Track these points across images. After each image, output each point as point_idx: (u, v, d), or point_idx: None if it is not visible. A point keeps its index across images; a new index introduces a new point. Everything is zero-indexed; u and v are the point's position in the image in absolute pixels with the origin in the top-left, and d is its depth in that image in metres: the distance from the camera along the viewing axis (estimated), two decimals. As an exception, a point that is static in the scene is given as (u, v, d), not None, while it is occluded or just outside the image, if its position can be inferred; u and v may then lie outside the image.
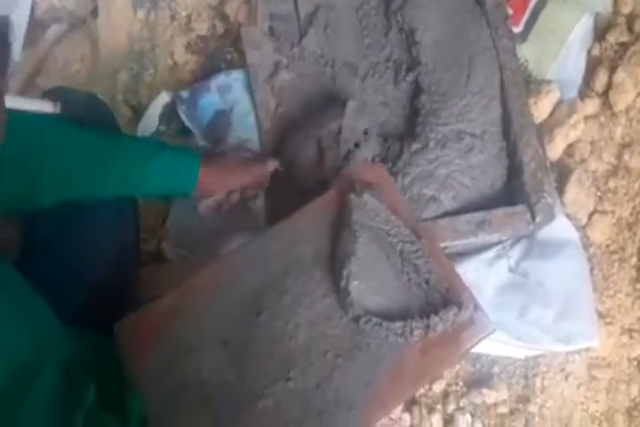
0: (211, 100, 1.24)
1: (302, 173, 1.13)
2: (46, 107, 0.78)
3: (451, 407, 1.11)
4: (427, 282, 0.85)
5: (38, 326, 0.68)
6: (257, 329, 0.84)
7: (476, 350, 1.12)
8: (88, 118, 0.93)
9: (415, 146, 1.12)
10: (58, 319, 0.72)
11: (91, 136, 0.89)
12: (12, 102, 0.56)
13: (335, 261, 0.86)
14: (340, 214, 0.89)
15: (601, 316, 1.11)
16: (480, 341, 0.84)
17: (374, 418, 0.82)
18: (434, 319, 0.80)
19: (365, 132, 1.13)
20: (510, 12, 1.22)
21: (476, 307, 0.84)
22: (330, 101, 1.19)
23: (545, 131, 1.18)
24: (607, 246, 1.14)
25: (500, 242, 1.13)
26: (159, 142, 1.01)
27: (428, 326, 0.81)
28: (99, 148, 0.89)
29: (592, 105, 1.19)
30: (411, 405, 1.13)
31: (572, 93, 1.21)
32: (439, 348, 0.82)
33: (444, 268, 0.87)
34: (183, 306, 0.87)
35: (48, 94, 1.00)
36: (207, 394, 0.82)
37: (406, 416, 1.12)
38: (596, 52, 1.24)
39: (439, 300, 0.83)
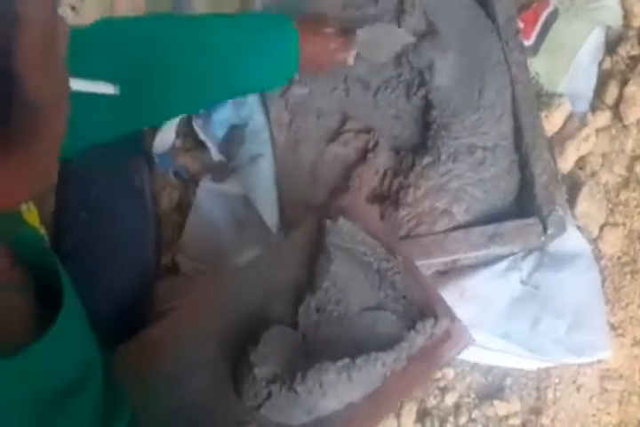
0: (225, 114, 1.26)
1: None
2: (106, 89, 0.79)
3: (463, 419, 1.12)
4: (404, 297, 0.86)
5: (88, 335, 0.69)
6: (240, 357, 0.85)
7: (487, 361, 1.14)
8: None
9: (427, 159, 1.13)
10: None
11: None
12: (72, 84, 0.57)
13: (313, 283, 0.88)
14: (318, 240, 0.91)
15: (613, 328, 1.11)
16: (458, 352, 0.85)
17: None
18: (412, 333, 0.81)
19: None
20: (521, 25, 1.23)
21: (454, 318, 0.85)
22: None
23: (556, 143, 1.19)
24: (618, 258, 1.15)
25: (512, 254, 1.14)
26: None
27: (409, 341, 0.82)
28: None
29: (603, 118, 1.20)
30: (423, 417, 1.13)
31: (584, 106, 1.22)
32: (418, 362, 0.82)
33: (420, 282, 0.88)
34: (173, 333, 0.89)
35: None
36: (195, 420, 0.83)
37: (419, 428, 1.13)
38: (607, 65, 1.25)
39: (416, 313, 0.85)
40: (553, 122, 1.19)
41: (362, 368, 0.78)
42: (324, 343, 0.83)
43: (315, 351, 0.82)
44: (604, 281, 1.13)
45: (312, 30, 1.04)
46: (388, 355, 0.79)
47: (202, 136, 1.26)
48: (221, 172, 1.24)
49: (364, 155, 1.17)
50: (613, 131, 1.20)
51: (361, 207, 0.97)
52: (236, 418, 0.81)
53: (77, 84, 0.69)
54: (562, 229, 1.09)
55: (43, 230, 0.63)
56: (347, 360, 0.78)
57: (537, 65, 1.25)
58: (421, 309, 0.85)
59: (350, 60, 1.13)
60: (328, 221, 0.90)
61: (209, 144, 1.25)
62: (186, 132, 1.28)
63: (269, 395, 0.79)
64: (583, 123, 1.18)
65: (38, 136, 0.45)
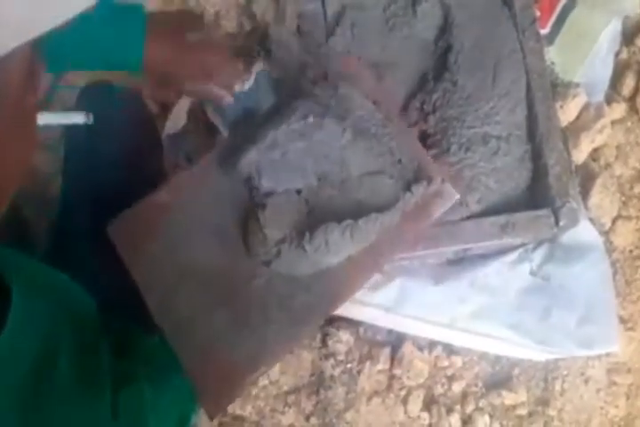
0: (237, 97, 1.25)
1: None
2: (78, 118, 0.78)
3: (469, 408, 1.12)
4: (399, 161, 0.93)
5: (59, 309, 0.70)
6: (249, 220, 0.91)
7: (496, 351, 1.14)
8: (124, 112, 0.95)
9: (432, 152, 1.12)
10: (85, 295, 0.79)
11: None
12: (42, 119, 0.56)
13: None
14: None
15: (622, 321, 1.11)
16: (446, 208, 0.94)
17: (354, 287, 0.90)
18: (407, 194, 0.90)
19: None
20: (538, 13, 1.22)
21: (443, 180, 0.93)
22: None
23: (571, 134, 1.18)
24: (630, 252, 1.15)
25: (523, 245, 1.14)
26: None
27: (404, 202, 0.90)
28: None
29: (619, 109, 1.19)
30: (429, 404, 1.14)
31: (599, 97, 1.21)
32: (410, 219, 0.91)
33: (413, 147, 0.96)
34: (173, 199, 0.93)
35: (87, 89, 1.03)
36: (204, 279, 0.89)
37: (425, 415, 1.14)
38: (623, 55, 1.24)
39: (411, 176, 0.93)
40: (568, 112, 1.18)
41: (362, 228, 0.86)
42: (327, 206, 0.90)
43: (318, 213, 0.90)
44: (614, 274, 1.13)
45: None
46: (386, 215, 0.88)
47: (213, 119, 1.25)
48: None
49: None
50: (629, 123, 1.19)
51: (358, 72, 1.00)
52: (246, 273, 0.88)
53: (49, 118, 0.69)
54: (574, 221, 1.08)
55: None
56: (350, 221, 0.86)
57: (553, 54, 1.24)
58: (415, 172, 0.93)
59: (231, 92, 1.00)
60: (322, 84, 0.96)
61: (220, 127, 1.24)
62: (197, 115, 1.27)
63: (279, 253, 0.87)
64: (599, 114, 1.17)
65: None
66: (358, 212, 0.88)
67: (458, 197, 0.94)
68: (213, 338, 0.86)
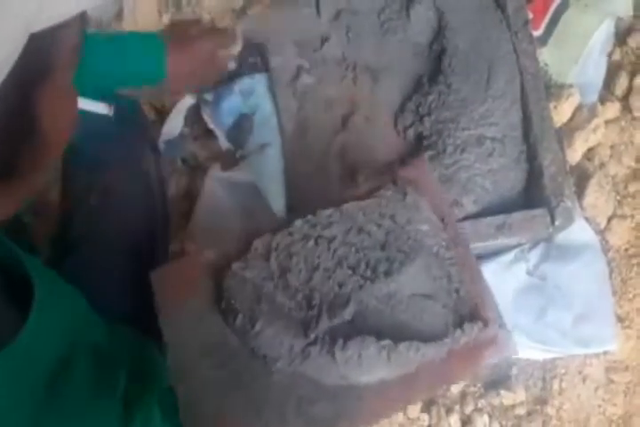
0: (234, 103, 1.26)
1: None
2: (102, 109, 0.80)
3: (469, 408, 1.12)
4: (457, 291, 0.83)
5: (73, 317, 0.70)
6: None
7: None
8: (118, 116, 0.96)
9: (428, 153, 1.13)
10: (92, 311, 0.76)
11: None
12: None
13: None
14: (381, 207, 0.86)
15: (619, 319, 1.11)
16: (499, 358, 0.83)
17: (379, 414, 0.83)
18: (458, 332, 0.79)
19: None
20: (530, 15, 1.23)
21: (502, 326, 0.82)
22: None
23: (565, 135, 1.19)
24: (626, 250, 1.15)
25: (519, 245, 1.14)
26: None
27: (452, 338, 0.79)
28: None
29: (612, 109, 1.20)
30: (429, 405, 1.14)
31: (593, 98, 1.22)
32: (457, 359, 0.80)
33: (476, 281, 0.84)
34: (220, 265, 0.87)
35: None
36: (227, 356, 0.83)
37: (424, 416, 1.14)
38: (616, 56, 1.24)
39: (466, 312, 0.81)
40: (562, 113, 1.19)
41: (402, 353, 0.77)
42: (368, 318, 0.81)
43: (357, 322, 0.81)
44: (611, 273, 1.13)
45: (181, 36, 1.03)
46: (429, 347, 0.78)
47: (210, 124, 1.26)
48: (230, 160, 1.24)
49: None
50: (623, 122, 1.20)
51: (431, 183, 0.91)
52: (270, 366, 0.82)
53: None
54: (570, 220, 1.09)
55: None
56: (389, 342, 0.78)
57: (546, 55, 1.24)
58: (472, 309, 0.82)
59: (231, 54, 1.12)
60: (393, 189, 0.86)
61: (217, 132, 1.25)
62: (194, 120, 1.28)
63: (308, 355, 0.79)
64: (592, 114, 1.18)
65: (39, 168, 0.46)
66: (400, 334, 0.79)
67: (516, 351, 0.83)
68: (224, 421, 0.81)
